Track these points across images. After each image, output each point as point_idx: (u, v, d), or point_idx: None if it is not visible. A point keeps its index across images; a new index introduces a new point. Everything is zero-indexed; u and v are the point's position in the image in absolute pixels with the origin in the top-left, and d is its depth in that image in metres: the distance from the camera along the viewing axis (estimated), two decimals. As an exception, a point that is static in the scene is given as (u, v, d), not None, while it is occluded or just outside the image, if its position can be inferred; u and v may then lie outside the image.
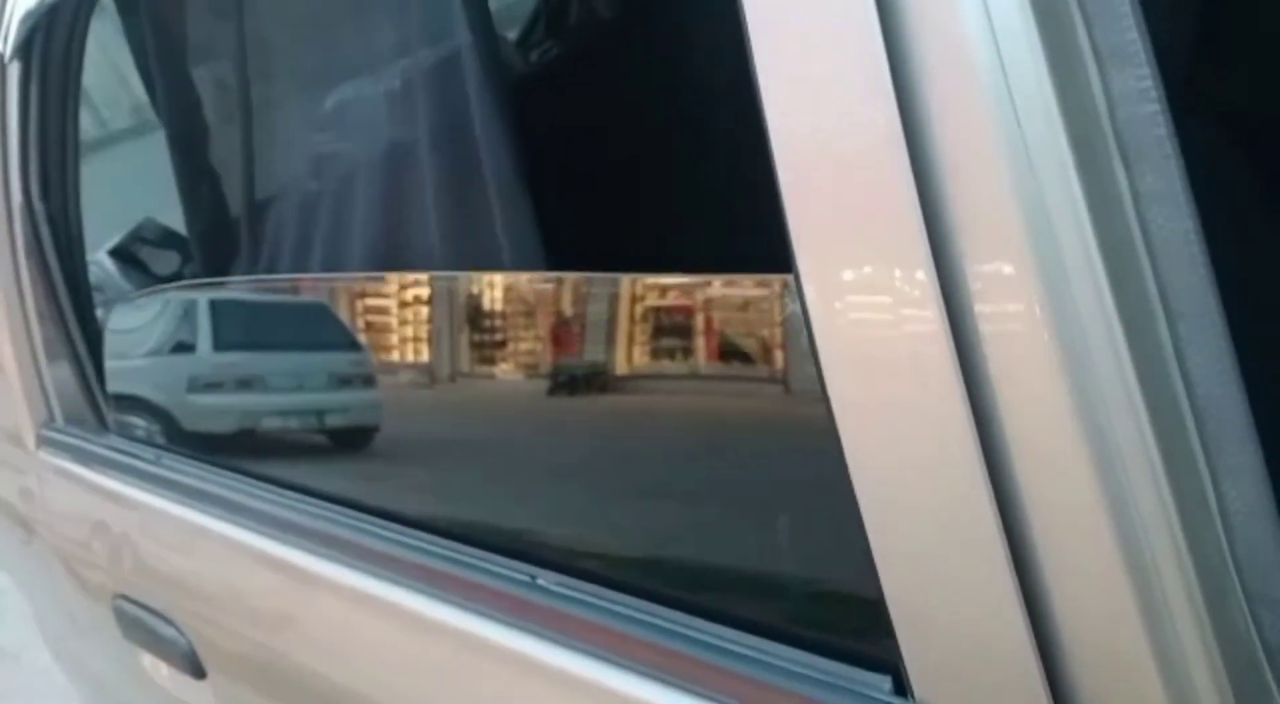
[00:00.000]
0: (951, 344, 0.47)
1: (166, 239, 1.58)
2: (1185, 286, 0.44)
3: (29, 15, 1.25)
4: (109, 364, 1.29)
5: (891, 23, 0.46)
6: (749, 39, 0.51)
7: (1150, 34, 0.70)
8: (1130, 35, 0.43)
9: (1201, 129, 0.82)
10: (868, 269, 0.49)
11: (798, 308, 0.52)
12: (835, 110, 0.48)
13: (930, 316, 0.47)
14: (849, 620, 0.58)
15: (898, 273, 0.48)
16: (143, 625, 1.17)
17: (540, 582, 0.73)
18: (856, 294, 0.50)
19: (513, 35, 1.89)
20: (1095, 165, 0.44)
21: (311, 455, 1.03)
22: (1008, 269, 0.45)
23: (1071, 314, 0.44)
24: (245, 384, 1.14)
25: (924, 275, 0.47)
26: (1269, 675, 0.48)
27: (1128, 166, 0.44)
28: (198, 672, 1.11)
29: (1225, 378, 0.45)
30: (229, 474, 1.06)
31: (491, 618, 0.75)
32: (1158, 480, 0.45)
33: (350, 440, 1.01)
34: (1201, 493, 0.46)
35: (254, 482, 1.02)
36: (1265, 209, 0.82)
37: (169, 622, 1.13)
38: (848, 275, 0.50)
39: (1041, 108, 0.44)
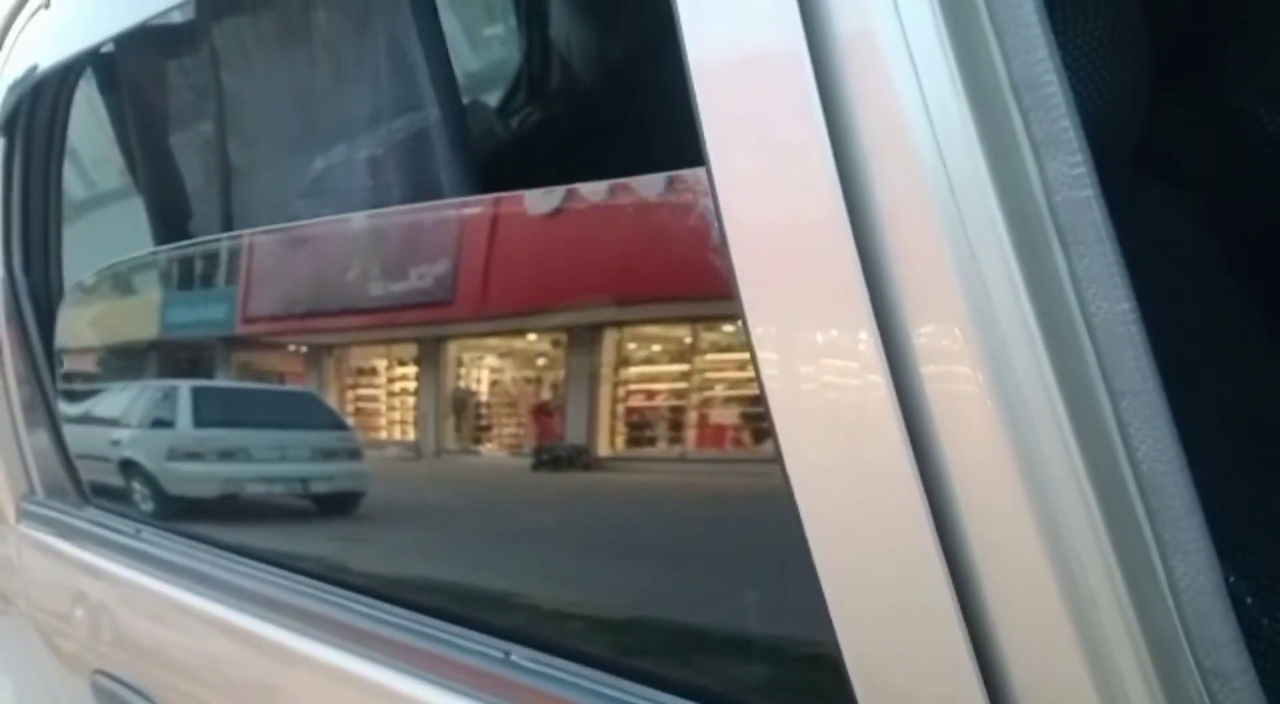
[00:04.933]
0: (906, 438, 0.48)
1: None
2: (1125, 366, 0.45)
3: (13, 90, 1.27)
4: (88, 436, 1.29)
5: (835, 114, 0.47)
6: (701, 129, 0.53)
7: (1103, 101, 0.72)
8: (1063, 124, 0.45)
9: (1159, 196, 0.83)
10: (822, 354, 0.51)
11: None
12: (784, 202, 0.50)
13: (883, 397, 0.48)
14: (811, 684, 0.59)
15: (850, 350, 0.49)
16: (122, 702, 1.16)
17: (514, 658, 0.73)
18: (811, 373, 0.51)
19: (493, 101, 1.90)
20: (1033, 247, 0.45)
21: (288, 529, 1.03)
22: (953, 349, 0.46)
23: (1015, 395, 0.45)
24: (225, 456, 1.14)
25: (873, 351, 0.48)
26: (1225, 747, 0.48)
27: (1065, 249, 0.45)
28: (176, 748, 1.10)
29: (1168, 455, 0.46)
30: (208, 548, 1.05)
31: (467, 694, 0.75)
32: (1106, 556, 0.46)
33: (326, 513, 1.00)
34: (1150, 568, 0.47)
35: (232, 556, 1.02)
36: (1226, 274, 0.83)
37: (148, 698, 1.12)
38: (803, 363, 0.51)
39: (979, 194, 0.45)
